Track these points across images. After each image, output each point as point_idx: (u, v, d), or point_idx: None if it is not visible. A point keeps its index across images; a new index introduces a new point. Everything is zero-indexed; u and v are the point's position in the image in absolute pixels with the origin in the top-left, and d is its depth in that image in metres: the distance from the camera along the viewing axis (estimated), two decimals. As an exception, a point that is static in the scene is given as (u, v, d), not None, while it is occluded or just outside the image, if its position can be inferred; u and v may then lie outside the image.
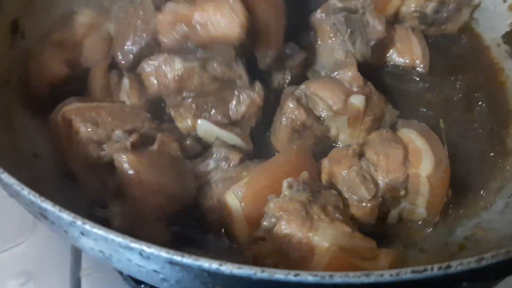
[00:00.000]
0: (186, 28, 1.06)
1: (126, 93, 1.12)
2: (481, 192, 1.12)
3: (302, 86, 1.12)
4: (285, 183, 0.93)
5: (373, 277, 0.69)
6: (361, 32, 1.19)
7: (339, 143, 1.13)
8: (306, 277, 0.69)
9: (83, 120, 1.03)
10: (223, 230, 1.02)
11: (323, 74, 1.18)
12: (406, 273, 0.69)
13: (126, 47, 1.14)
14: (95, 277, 1.10)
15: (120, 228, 0.94)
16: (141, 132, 1.04)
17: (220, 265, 0.69)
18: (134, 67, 1.14)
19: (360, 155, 1.05)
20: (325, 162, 1.06)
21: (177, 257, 0.70)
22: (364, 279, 0.69)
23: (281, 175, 0.96)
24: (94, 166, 1.02)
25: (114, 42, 1.19)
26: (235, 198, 0.97)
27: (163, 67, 1.07)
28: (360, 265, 0.87)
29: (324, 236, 0.88)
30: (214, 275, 0.71)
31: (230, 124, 1.09)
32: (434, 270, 0.70)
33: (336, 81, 1.12)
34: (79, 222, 0.75)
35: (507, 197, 1.11)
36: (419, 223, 1.07)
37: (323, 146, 1.12)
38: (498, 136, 1.21)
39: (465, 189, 1.11)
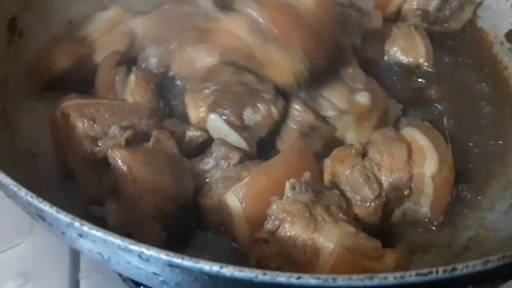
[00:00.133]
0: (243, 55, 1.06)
1: (130, 90, 1.12)
2: (485, 192, 1.11)
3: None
4: (287, 185, 0.92)
5: (377, 280, 0.68)
6: (351, 21, 1.18)
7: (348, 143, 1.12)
8: (309, 280, 0.68)
9: (80, 115, 1.02)
10: (222, 229, 1.01)
11: None
12: (410, 276, 0.68)
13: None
14: (94, 278, 1.10)
15: (115, 226, 0.95)
16: (138, 129, 1.03)
17: (221, 267, 0.68)
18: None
19: (363, 154, 1.04)
20: (327, 162, 1.04)
21: (177, 260, 0.69)
22: (368, 282, 0.68)
23: (282, 176, 0.96)
24: (91, 163, 1.02)
25: (149, 40, 1.19)
26: (235, 199, 0.96)
27: (201, 52, 1.06)
28: (366, 265, 0.86)
29: (328, 237, 0.87)
30: (215, 278, 0.70)
31: (241, 127, 1.07)
32: (439, 273, 0.69)
33: (338, 80, 1.11)
34: (77, 223, 0.73)
35: (512, 198, 1.11)
36: (423, 223, 1.06)
37: (330, 148, 1.10)
38: (502, 135, 1.20)
39: (469, 189, 1.11)
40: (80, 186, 1.04)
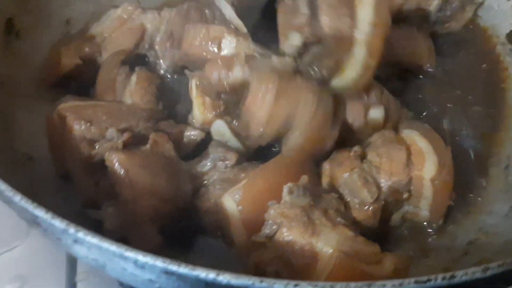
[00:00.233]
0: None
1: (130, 91, 1.11)
2: (485, 196, 1.11)
3: None
4: (285, 189, 0.92)
5: (375, 288, 0.67)
6: None
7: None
8: (306, 287, 0.67)
9: (77, 117, 1.02)
10: (219, 233, 1.01)
11: None
12: (409, 283, 0.68)
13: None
14: (91, 281, 1.09)
15: (111, 229, 0.95)
16: (135, 132, 1.03)
17: (218, 275, 0.68)
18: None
19: (362, 157, 1.03)
20: (326, 165, 1.04)
21: (173, 267, 0.69)
22: (366, 290, 0.67)
23: (279, 179, 0.95)
24: (87, 166, 1.01)
25: (163, 38, 1.19)
26: (232, 202, 0.95)
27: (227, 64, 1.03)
28: (365, 269, 0.86)
29: (327, 241, 0.87)
30: (211, 285, 0.69)
31: (244, 137, 1.06)
32: (438, 280, 0.68)
33: (354, 93, 1.06)
34: (72, 229, 0.73)
35: (512, 201, 1.10)
36: (422, 226, 1.05)
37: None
38: (502, 137, 1.19)
39: (468, 192, 1.10)
40: (77, 189, 1.03)
